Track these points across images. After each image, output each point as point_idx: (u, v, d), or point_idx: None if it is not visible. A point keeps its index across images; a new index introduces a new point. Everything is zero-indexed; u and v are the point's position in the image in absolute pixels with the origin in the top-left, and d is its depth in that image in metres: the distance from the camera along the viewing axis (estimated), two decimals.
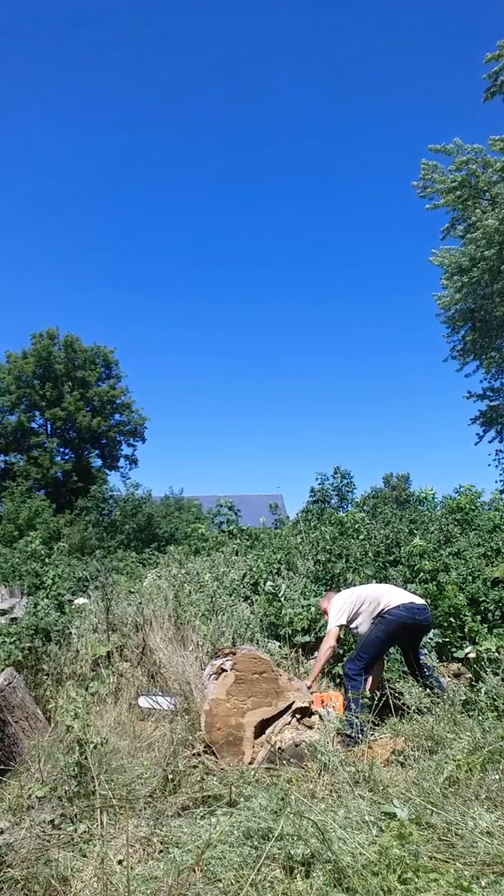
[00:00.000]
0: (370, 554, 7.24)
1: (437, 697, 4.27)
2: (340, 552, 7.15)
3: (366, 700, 4.23)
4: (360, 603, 4.89)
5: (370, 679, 4.78)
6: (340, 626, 4.89)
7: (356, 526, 8.28)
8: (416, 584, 6.44)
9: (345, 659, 5.18)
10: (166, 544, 15.52)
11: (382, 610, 4.76)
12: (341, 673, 5.11)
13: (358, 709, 4.16)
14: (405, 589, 6.31)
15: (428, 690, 4.41)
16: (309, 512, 10.78)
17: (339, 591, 5.77)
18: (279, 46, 67.10)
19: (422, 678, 4.73)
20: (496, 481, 20.42)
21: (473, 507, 8.96)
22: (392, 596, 4.86)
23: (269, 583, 6.80)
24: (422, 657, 4.98)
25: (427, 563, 6.61)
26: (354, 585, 6.47)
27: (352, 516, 8.82)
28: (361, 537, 7.89)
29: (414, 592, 6.22)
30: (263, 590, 6.85)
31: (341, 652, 5.49)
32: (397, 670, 5.35)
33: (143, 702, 4.83)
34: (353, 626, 4.92)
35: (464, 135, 18.32)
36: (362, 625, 4.87)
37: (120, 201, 66.20)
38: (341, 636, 5.13)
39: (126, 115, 65.45)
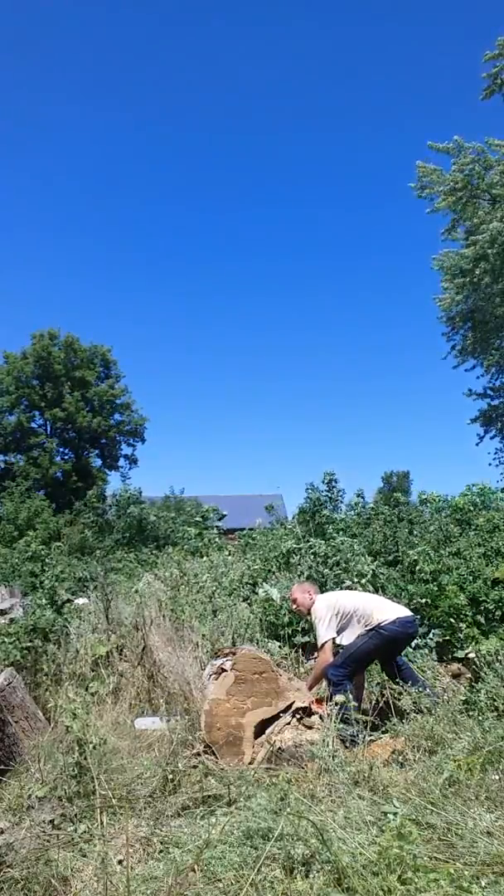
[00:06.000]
0: (367, 555, 7.23)
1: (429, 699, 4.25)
2: (335, 554, 7.15)
3: (353, 703, 4.19)
4: (346, 615, 4.78)
5: (355, 685, 4.72)
6: (332, 639, 4.77)
7: (351, 530, 8.28)
8: (415, 585, 6.43)
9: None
10: (164, 544, 15.49)
11: (379, 624, 4.65)
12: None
13: (351, 710, 4.12)
14: (406, 590, 6.31)
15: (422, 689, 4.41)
16: (304, 513, 10.76)
17: (314, 583, 5.66)
18: (279, 42, 67.13)
19: (402, 681, 4.66)
20: (497, 481, 20.44)
21: (484, 506, 8.92)
22: (386, 610, 4.76)
23: (261, 590, 6.79)
24: (401, 663, 4.90)
25: (427, 565, 6.59)
26: (349, 588, 6.46)
27: (341, 525, 8.79)
28: (358, 540, 7.89)
29: (412, 593, 6.22)
30: (263, 591, 6.86)
31: None
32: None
33: (140, 723, 4.76)
34: (337, 638, 4.80)
35: (462, 132, 18.32)
36: (347, 635, 4.76)
37: (118, 196, 66.25)
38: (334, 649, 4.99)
39: (124, 114, 65.47)
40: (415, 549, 7.01)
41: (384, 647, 4.71)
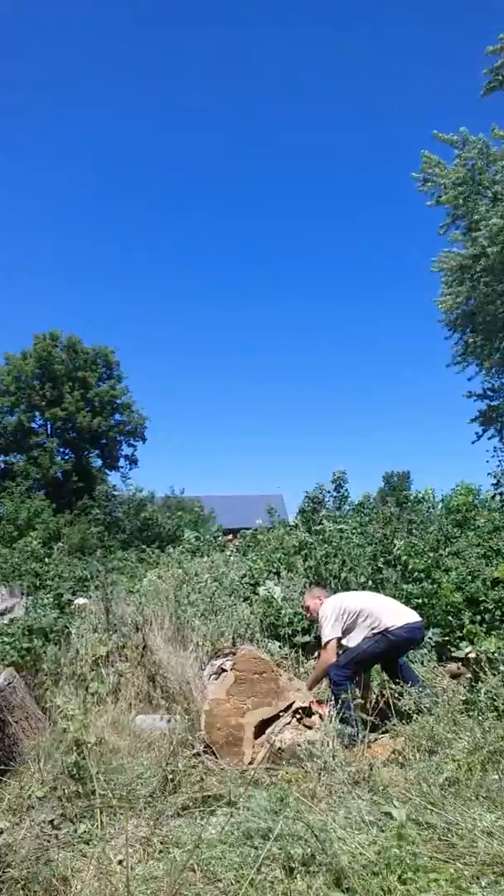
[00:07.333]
0: (366, 554, 7.22)
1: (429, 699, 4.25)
2: (336, 553, 7.15)
3: (358, 701, 4.19)
4: (354, 616, 4.74)
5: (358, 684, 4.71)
6: (338, 639, 4.73)
7: (353, 529, 8.28)
8: (411, 584, 6.42)
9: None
10: (167, 544, 15.51)
11: (387, 628, 4.61)
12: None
13: (351, 710, 4.12)
14: (402, 589, 6.30)
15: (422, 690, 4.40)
16: (304, 512, 10.76)
17: (322, 588, 5.69)
18: (280, 39, 67.15)
19: (402, 682, 4.64)
20: (493, 482, 20.32)
21: (472, 508, 8.94)
22: (396, 614, 4.73)
23: (261, 588, 6.79)
24: (401, 663, 4.89)
25: (419, 562, 6.57)
26: (350, 587, 6.46)
27: (343, 522, 8.78)
28: (357, 539, 7.88)
29: (410, 592, 6.22)
30: (264, 589, 6.86)
31: None
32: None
33: (140, 721, 4.75)
34: (343, 639, 4.76)
35: (466, 127, 17.90)
36: (353, 637, 4.73)
37: (121, 200, 66.27)
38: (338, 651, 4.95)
39: (128, 116, 65.48)
40: (402, 544, 6.94)
41: (389, 651, 4.68)
